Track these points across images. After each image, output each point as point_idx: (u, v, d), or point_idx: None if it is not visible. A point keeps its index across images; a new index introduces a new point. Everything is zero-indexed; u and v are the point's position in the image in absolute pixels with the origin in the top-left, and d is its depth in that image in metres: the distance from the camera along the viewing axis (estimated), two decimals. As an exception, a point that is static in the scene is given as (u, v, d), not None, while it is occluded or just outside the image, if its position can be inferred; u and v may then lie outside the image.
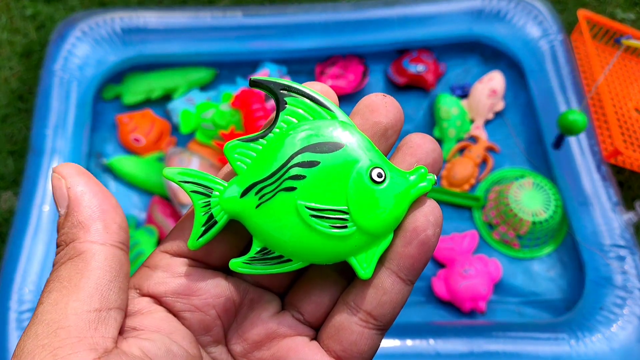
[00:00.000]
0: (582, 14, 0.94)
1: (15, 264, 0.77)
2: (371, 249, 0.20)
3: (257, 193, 0.20)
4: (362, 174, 0.19)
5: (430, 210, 0.20)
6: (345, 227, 0.19)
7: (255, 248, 0.20)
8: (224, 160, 0.88)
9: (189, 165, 0.86)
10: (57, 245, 0.20)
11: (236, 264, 0.20)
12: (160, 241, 0.85)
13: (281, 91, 0.20)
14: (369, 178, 0.19)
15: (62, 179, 0.20)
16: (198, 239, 0.20)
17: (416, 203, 0.20)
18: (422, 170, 0.20)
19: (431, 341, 0.71)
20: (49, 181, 0.84)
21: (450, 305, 0.81)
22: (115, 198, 0.20)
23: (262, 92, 0.92)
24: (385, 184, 0.20)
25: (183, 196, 0.84)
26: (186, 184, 0.20)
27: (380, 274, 0.20)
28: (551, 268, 0.84)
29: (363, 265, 0.20)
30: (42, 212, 0.81)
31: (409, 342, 0.71)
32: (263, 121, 0.86)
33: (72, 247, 0.19)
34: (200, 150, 0.91)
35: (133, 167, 0.90)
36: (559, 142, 0.59)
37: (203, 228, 0.20)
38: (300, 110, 0.20)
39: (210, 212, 0.20)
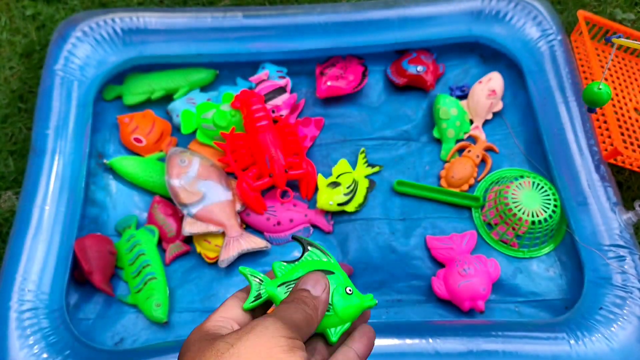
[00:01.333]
0: (582, 14, 0.95)
1: (16, 264, 0.77)
2: (339, 327, 0.34)
3: (286, 287, 0.35)
4: (341, 287, 0.35)
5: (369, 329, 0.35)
6: (329, 311, 0.34)
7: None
8: (224, 161, 0.88)
9: (190, 164, 0.86)
10: None
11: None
12: (160, 240, 0.86)
13: (308, 246, 0.36)
14: (344, 291, 0.35)
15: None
16: (250, 304, 0.34)
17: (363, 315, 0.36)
18: (370, 299, 0.35)
19: (430, 340, 0.71)
20: (49, 181, 0.84)
21: (449, 305, 0.81)
22: None
23: (262, 93, 0.92)
24: (352, 295, 0.35)
25: (183, 196, 0.84)
26: (251, 276, 0.34)
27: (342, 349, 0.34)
28: (550, 268, 0.84)
29: (333, 334, 0.34)
30: (42, 212, 0.81)
31: (408, 341, 0.71)
32: (263, 121, 0.86)
33: None
34: (200, 151, 0.91)
35: (134, 167, 0.90)
36: (590, 111, 0.64)
37: (253, 298, 0.34)
38: (315, 255, 0.36)
39: (259, 292, 0.34)
